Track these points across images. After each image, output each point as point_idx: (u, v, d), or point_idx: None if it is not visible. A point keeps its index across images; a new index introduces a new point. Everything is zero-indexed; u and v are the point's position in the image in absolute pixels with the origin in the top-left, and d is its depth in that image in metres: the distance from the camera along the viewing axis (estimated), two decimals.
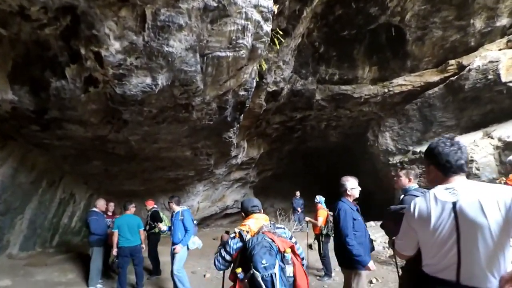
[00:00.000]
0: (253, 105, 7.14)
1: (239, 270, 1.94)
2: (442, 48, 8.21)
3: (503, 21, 7.38)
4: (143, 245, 5.17)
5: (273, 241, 1.98)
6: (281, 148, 13.07)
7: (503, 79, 7.14)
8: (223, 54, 3.52)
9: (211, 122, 5.31)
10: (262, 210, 2.41)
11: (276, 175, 16.85)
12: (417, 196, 2.75)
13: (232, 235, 2.21)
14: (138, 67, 3.15)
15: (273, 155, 13.50)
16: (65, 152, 5.96)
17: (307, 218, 5.93)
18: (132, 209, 5.20)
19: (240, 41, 3.43)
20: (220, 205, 12.41)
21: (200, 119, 5.06)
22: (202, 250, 5.49)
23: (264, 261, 1.84)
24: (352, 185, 3.22)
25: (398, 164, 10.22)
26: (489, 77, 7.32)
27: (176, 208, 4.78)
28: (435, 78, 8.46)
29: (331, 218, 5.09)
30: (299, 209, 10.80)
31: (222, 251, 2.18)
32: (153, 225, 5.85)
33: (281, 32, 5.26)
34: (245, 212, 2.37)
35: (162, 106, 4.36)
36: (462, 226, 1.34)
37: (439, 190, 1.46)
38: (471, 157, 7.69)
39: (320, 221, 5.30)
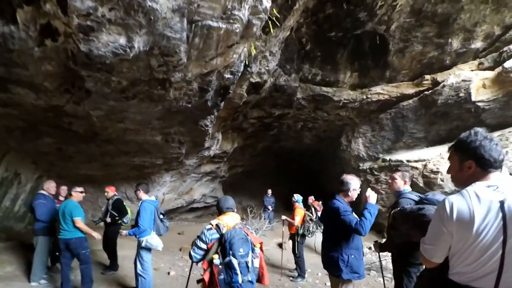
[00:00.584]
0: (234, 95, 6.74)
1: (215, 256, 2.25)
2: (419, 63, 8.50)
3: (477, 44, 7.81)
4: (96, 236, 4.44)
5: (247, 235, 2.39)
6: (255, 145, 12.79)
7: (473, 98, 7.56)
8: (214, 24, 3.10)
9: (189, 105, 4.81)
10: (235, 211, 2.69)
11: (246, 172, 16.55)
12: (413, 200, 2.63)
13: (208, 226, 2.45)
14: (112, 21, 2.61)
15: (246, 151, 13.17)
16: (10, 123, 5.06)
17: (284, 217, 5.70)
18: (77, 194, 4.47)
19: (236, 12, 3.04)
20: (187, 198, 11.79)
21: (177, 100, 4.55)
22: (166, 245, 4.98)
23: (241, 250, 2.20)
24: (356, 185, 3.00)
25: (368, 170, 10.48)
26: (461, 94, 7.71)
27: (144, 197, 4.25)
28: (411, 90, 8.76)
29: (307, 218, 4.92)
30: (270, 207, 10.60)
31: (198, 241, 2.44)
32: (116, 216, 5.19)
33: (274, 19, 4.94)
34: (220, 210, 2.65)
35: (134, 78, 3.79)
36: (510, 228, 1.13)
37: (480, 188, 1.24)
38: (437, 168, 8.05)
39: (297, 220, 5.08)
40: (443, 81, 8.12)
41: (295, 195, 5.59)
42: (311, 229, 5.19)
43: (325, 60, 8.32)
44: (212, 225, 2.42)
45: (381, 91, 8.89)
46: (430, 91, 8.24)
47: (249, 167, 16.00)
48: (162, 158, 7.49)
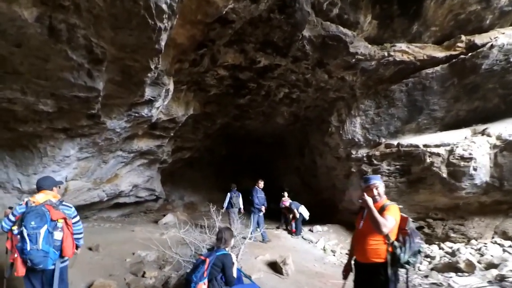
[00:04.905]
0: None
1: (15, 227, 2.53)
2: (455, 18, 6.49)
3: None
4: None
5: (49, 211, 2.56)
6: (215, 119, 9.34)
7: None
8: None
9: None
10: (53, 189, 2.87)
11: (192, 160, 12.87)
12: None
13: (21, 202, 2.69)
14: None
15: (200, 127, 9.62)
16: None
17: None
18: None
19: None
20: (108, 190, 7.72)
21: None
22: None
23: (33, 223, 2.45)
24: None
25: (364, 159, 8.18)
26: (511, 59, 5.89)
27: None
28: (440, 54, 6.68)
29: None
30: (262, 207, 7.29)
31: (10, 214, 2.66)
32: None
33: None
34: (37, 187, 2.85)
35: None
36: None
37: None
38: (470, 154, 6.11)
39: (391, 224, 2.13)
40: (482, 45, 6.24)
41: (371, 177, 2.60)
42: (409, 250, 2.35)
43: None
44: (23, 201, 2.65)
45: (407, 49, 6.58)
46: (470, 54, 6.26)
47: (197, 152, 12.37)
48: (55, 99, 3.54)
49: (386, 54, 6.52)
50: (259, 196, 7.18)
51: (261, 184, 7.49)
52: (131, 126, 5.88)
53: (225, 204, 7.81)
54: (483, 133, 6.49)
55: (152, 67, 3.67)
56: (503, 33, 6.04)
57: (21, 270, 2.47)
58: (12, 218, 2.60)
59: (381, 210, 2.45)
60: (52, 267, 2.55)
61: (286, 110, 9.36)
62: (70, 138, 5.22)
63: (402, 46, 6.56)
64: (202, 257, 2.89)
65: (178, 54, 5.06)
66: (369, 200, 2.41)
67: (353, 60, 6.46)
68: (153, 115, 5.80)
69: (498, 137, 6.20)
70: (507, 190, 6.06)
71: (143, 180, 9.37)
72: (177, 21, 4.05)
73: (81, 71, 3.18)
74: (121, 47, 3.15)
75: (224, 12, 4.14)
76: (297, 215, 8.36)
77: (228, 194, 8.08)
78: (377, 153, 7.88)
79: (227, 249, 3.03)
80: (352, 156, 8.52)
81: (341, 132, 8.58)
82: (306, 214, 8.46)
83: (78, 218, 2.89)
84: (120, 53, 3.23)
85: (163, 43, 3.35)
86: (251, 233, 6.16)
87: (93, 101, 3.83)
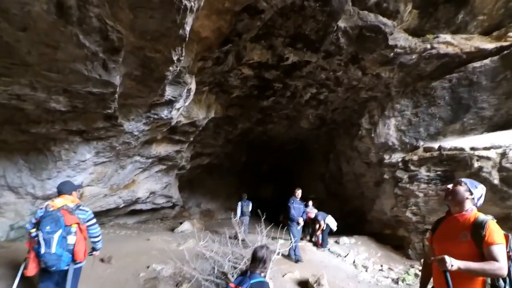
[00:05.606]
0: None
1: (33, 230, 2.61)
2: (505, 6, 5.75)
3: None
4: None
5: (63, 216, 2.64)
6: (236, 123, 8.88)
7: None
8: None
9: None
10: (72, 193, 2.94)
11: (211, 167, 12.41)
12: None
13: (41, 206, 2.74)
14: None
15: (221, 131, 9.17)
16: None
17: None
18: None
19: None
20: (125, 196, 7.38)
21: None
22: None
23: (48, 228, 2.53)
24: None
25: (400, 164, 7.40)
26: None
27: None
28: (489, 45, 5.92)
29: None
30: (301, 220, 6.54)
31: (32, 217, 2.80)
32: None
33: None
34: (58, 192, 2.92)
35: None
36: None
37: None
38: None
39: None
40: None
41: (469, 183, 2.00)
42: None
43: None
44: (43, 206, 2.72)
45: (452, 41, 5.86)
46: None
47: (216, 158, 11.92)
48: (63, 92, 3.13)
49: (428, 46, 5.83)
50: (296, 207, 6.22)
51: (299, 193, 6.50)
52: (150, 129, 5.48)
53: (238, 213, 8.32)
54: None
55: (175, 59, 3.21)
56: None
57: (31, 271, 2.57)
58: (33, 221, 2.71)
59: (476, 228, 1.80)
60: (66, 267, 2.64)
61: (312, 113, 8.77)
62: (86, 141, 4.87)
63: (447, 37, 5.87)
64: (232, 286, 2.30)
65: (202, 50, 4.62)
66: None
67: (392, 54, 5.82)
68: (173, 117, 5.38)
69: None
70: None
71: (161, 186, 8.99)
72: (203, 11, 3.62)
73: (95, 62, 2.76)
74: (141, 34, 2.71)
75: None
76: (324, 226, 7.66)
77: (239, 203, 8.56)
78: (415, 157, 7.08)
79: (262, 274, 2.42)
80: (385, 161, 7.75)
81: (372, 135, 7.86)
82: (333, 225, 7.74)
83: (93, 221, 2.91)
84: (139, 41, 2.79)
85: (188, 28, 2.89)
86: (293, 249, 5.70)
87: (109, 98, 3.40)
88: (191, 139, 7.70)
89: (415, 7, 5.73)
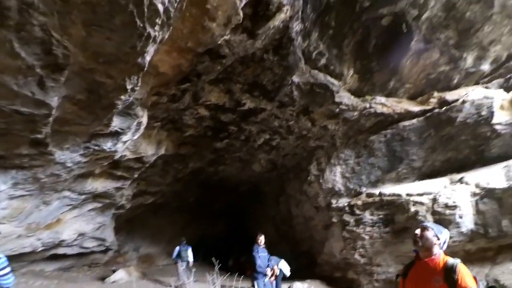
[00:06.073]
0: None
1: None
2: (427, 77, 6.97)
3: (485, 66, 6.82)
4: None
5: None
6: (187, 162, 8.53)
7: (494, 120, 6.23)
8: None
9: None
10: None
11: (156, 206, 11.41)
12: None
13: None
14: None
15: (170, 170, 8.67)
16: None
17: None
18: None
19: None
20: (46, 237, 6.34)
21: None
22: None
23: None
24: None
25: (346, 209, 7.76)
26: (483, 113, 6.37)
27: None
28: (415, 108, 7.01)
29: None
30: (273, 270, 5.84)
31: None
32: None
33: None
34: None
35: None
36: None
37: None
38: (454, 202, 6.04)
39: None
40: (453, 101, 6.70)
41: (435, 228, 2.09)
42: None
43: (334, 40, 5.71)
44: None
45: (385, 103, 6.79)
46: (444, 108, 6.62)
47: (162, 197, 11.07)
48: None
49: (367, 105, 6.64)
50: (262, 256, 5.53)
51: (262, 239, 5.75)
52: (88, 161, 4.91)
53: (174, 255, 8.43)
54: (460, 181, 6.54)
55: (129, 88, 3.04)
56: (473, 90, 6.57)
57: None
58: None
59: (448, 273, 1.85)
60: None
61: (264, 157, 8.95)
62: (3, 169, 4.09)
63: (382, 99, 6.79)
64: None
65: (159, 85, 4.53)
66: None
67: (337, 109, 6.46)
68: (117, 150, 4.95)
69: (477, 185, 6.24)
70: (492, 236, 5.92)
71: (93, 227, 7.85)
72: (164, 46, 3.62)
73: (29, 77, 2.41)
74: (93, 55, 2.51)
75: (218, 43, 3.81)
76: (277, 272, 7.31)
77: (177, 247, 8.46)
78: (359, 202, 7.54)
79: None
80: (333, 205, 8.09)
81: (320, 181, 8.25)
82: (286, 270, 7.44)
83: (7, 270, 2.56)
84: (90, 63, 2.58)
85: (148, 58, 2.81)
86: None
87: (40, 121, 2.98)
88: (136, 176, 7.09)
89: (355, 72, 6.58)
